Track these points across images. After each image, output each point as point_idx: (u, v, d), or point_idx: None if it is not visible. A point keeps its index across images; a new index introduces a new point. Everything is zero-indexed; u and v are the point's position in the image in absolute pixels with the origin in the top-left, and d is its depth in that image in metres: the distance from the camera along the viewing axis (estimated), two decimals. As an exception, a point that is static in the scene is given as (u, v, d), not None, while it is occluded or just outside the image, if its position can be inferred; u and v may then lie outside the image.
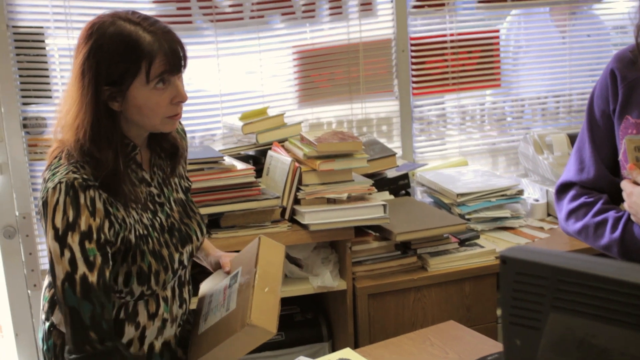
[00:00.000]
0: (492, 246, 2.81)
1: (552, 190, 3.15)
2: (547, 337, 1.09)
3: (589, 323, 1.05)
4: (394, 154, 3.06)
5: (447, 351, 2.02)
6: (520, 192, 3.11)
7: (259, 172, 2.74)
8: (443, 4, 3.38)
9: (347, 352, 2.00)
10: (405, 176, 3.10)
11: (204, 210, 2.42)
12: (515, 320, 1.15)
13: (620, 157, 1.88)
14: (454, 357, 1.99)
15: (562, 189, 2.06)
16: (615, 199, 1.92)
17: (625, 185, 1.80)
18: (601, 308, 1.03)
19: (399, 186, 3.08)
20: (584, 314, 1.06)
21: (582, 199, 1.98)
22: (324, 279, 2.61)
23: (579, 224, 1.98)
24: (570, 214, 2.01)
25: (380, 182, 2.98)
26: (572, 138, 3.32)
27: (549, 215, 3.20)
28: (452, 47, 3.41)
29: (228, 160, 2.58)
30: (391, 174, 3.08)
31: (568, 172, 2.04)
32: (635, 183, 1.77)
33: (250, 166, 2.57)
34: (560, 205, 2.06)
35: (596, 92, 1.96)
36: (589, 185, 1.99)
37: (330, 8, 3.24)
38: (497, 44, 3.50)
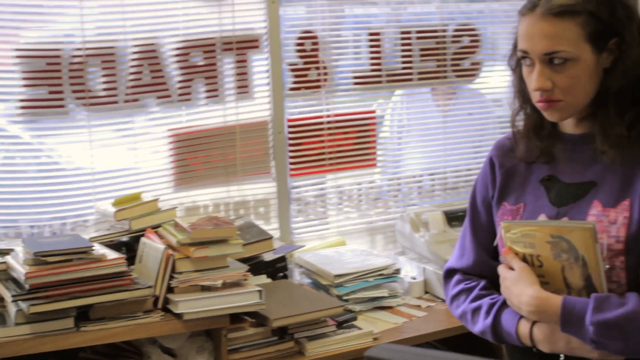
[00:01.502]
0: (370, 327, 2.81)
1: (429, 268, 3.20)
2: None
3: None
4: (270, 237, 3.05)
5: None
6: (398, 271, 3.14)
7: (132, 260, 2.67)
8: (319, 86, 3.43)
9: None
10: (282, 259, 3.09)
11: (71, 303, 2.33)
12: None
13: (497, 242, 1.92)
14: None
15: (447, 275, 2.10)
16: (496, 283, 1.95)
17: (501, 270, 1.84)
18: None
19: (277, 269, 3.06)
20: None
21: (462, 285, 2.02)
22: (200, 369, 2.55)
23: (459, 310, 2.02)
24: (453, 299, 2.05)
25: (257, 266, 2.95)
26: (448, 215, 3.39)
27: (426, 292, 3.23)
28: (328, 128, 3.45)
29: (99, 249, 2.51)
30: (268, 256, 3.06)
31: (452, 259, 2.10)
32: (511, 268, 1.81)
33: (121, 255, 2.50)
34: (446, 290, 2.11)
35: (478, 179, 2.04)
36: (470, 271, 2.03)
37: (207, 91, 3.24)
38: (374, 124, 3.57)
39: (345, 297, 2.99)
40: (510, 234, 1.80)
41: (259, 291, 2.57)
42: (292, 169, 3.41)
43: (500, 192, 1.92)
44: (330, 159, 3.47)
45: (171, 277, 2.54)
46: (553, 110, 1.73)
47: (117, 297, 2.42)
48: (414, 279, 3.25)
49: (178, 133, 3.22)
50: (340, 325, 2.79)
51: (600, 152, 1.72)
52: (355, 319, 2.85)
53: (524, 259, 1.79)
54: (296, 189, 3.44)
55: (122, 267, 2.46)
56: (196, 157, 3.25)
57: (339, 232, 3.52)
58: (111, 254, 2.50)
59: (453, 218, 3.40)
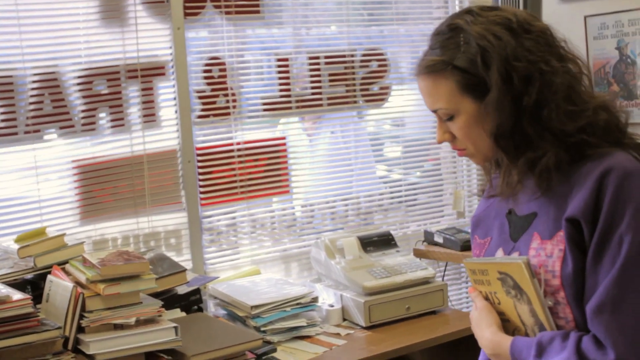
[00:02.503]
0: (290, 359, 2.74)
1: (347, 294, 3.16)
2: None
3: None
4: (183, 270, 2.95)
5: None
6: (315, 299, 3.08)
7: (38, 299, 2.54)
8: (228, 113, 3.36)
9: None
10: (197, 291, 2.99)
11: (-26, 349, 2.19)
12: None
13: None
14: None
15: None
16: None
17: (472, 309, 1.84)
18: None
19: (191, 302, 2.96)
20: None
21: None
22: (114, 412, 2.42)
23: None
24: None
25: (171, 300, 2.85)
26: (363, 241, 3.35)
27: (344, 320, 3.18)
28: (239, 156, 3.38)
29: (2, 290, 2.37)
30: (182, 289, 2.96)
31: None
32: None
33: (27, 295, 2.37)
34: None
35: None
36: None
37: (112, 120, 3.13)
38: (285, 150, 3.52)
39: (263, 328, 2.91)
40: (471, 272, 1.78)
41: (175, 327, 2.47)
42: (202, 198, 3.32)
43: (474, 226, 1.91)
44: (242, 186, 3.40)
45: (81, 317, 2.42)
46: (468, 156, 1.75)
47: (24, 340, 2.29)
48: (332, 306, 3.20)
49: (83, 164, 3.09)
50: (260, 358, 2.70)
51: (545, 190, 1.66)
52: (274, 350, 2.77)
53: (486, 297, 1.77)
54: (208, 219, 3.35)
55: (29, 308, 2.33)
56: (103, 188, 3.13)
57: (253, 260, 3.44)
58: (16, 294, 2.36)
59: (368, 243, 3.37)
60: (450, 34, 1.66)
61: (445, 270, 3.75)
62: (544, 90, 1.60)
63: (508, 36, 1.62)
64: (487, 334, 1.73)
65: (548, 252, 1.62)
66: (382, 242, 3.41)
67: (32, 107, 2.96)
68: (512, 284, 1.66)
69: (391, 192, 3.83)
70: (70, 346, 2.40)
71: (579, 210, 1.55)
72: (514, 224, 1.75)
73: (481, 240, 1.86)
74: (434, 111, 1.70)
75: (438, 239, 3.58)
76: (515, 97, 1.60)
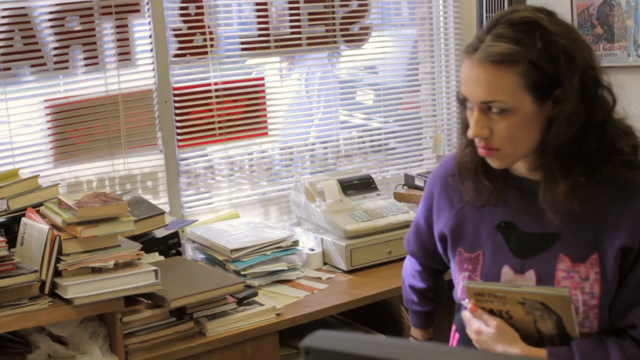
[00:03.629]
0: (272, 303, 2.69)
1: (327, 238, 3.11)
2: None
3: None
4: (162, 213, 2.87)
5: None
6: (296, 243, 3.03)
7: (12, 243, 2.45)
8: (206, 52, 3.26)
9: None
10: (175, 234, 2.92)
11: (-53, 293, 2.11)
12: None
13: (459, 295, 1.86)
14: None
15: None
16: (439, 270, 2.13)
17: (470, 321, 1.75)
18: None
19: (169, 245, 2.90)
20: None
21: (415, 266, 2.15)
22: (94, 357, 2.36)
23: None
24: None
25: (149, 243, 2.78)
26: (343, 184, 3.30)
27: (325, 264, 3.14)
28: (217, 97, 3.29)
29: (-25, 233, 2.29)
30: (160, 233, 2.89)
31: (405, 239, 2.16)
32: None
33: (1, 238, 2.28)
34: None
35: (422, 200, 1.97)
36: (413, 256, 2.15)
37: (85, 58, 3.02)
38: (263, 92, 3.43)
39: (243, 272, 2.86)
40: (477, 294, 1.70)
41: (155, 271, 2.40)
42: (179, 140, 3.23)
43: (453, 238, 1.82)
44: (220, 128, 3.31)
45: (58, 260, 2.33)
46: (493, 157, 1.64)
47: (-1, 284, 2.21)
48: (312, 250, 3.15)
49: (56, 104, 2.99)
50: (241, 302, 2.66)
51: (541, 208, 1.64)
52: (256, 294, 2.72)
53: (490, 311, 1.71)
54: (185, 161, 3.27)
55: (3, 251, 2.25)
56: (77, 129, 3.03)
57: (232, 204, 3.38)
58: (-11, 238, 2.28)
59: (348, 187, 3.32)
60: (524, 27, 1.56)
61: (425, 214, 3.70)
62: (605, 106, 1.59)
63: (584, 44, 1.59)
64: (516, 349, 1.67)
65: (582, 274, 1.63)
66: (362, 185, 3.36)
67: (1, 44, 2.85)
68: (540, 308, 1.62)
69: (371, 136, 3.77)
70: (47, 290, 2.33)
71: (633, 239, 1.59)
72: (519, 239, 1.70)
73: (469, 255, 1.78)
74: (484, 102, 1.57)
75: (419, 182, 3.53)
76: (586, 109, 1.57)
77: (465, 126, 1.69)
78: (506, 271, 1.72)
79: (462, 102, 1.67)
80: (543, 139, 1.59)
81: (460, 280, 1.81)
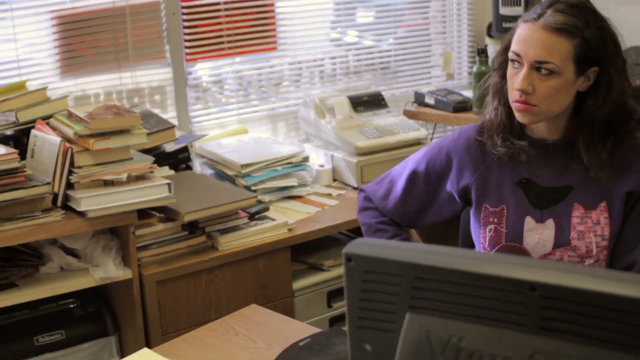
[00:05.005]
0: (284, 218, 2.68)
1: (337, 154, 3.09)
2: (404, 340, 0.95)
3: (453, 323, 0.92)
4: (172, 126, 2.84)
5: (255, 340, 1.87)
6: (306, 159, 3.00)
7: (22, 155, 2.41)
8: (213, -38, 3.17)
9: (145, 354, 1.78)
10: (184, 149, 2.89)
11: (-40, 204, 2.09)
12: (365, 324, 1.00)
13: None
14: (262, 345, 1.84)
15: (366, 198, 2.18)
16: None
17: None
18: (468, 306, 0.91)
19: (179, 160, 2.87)
20: (447, 314, 0.93)
21: (377, 218, 2.14)
22: (107, 269, 2.36)
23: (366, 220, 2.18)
24: (363, 211, 2.19)
25: (159, 157, 2.74)
26: (353, 100, 3.26)
27: (335, 180, 3.13)
28: (225, 10, 3.21)
29: (-15, 144, 2.25)
30: (169, 147, 2.86)
31: (376, 189, 2.15)
32: None
33: (11, 149, 2.25)
34: (360, 202, 2.21)
35: (430, 160, 2.05)
36: (386, 214, 2.13)
37: (91, -33, 2.94)
38: (272, 4, 3.36)
39: (253, 188, 2.84)
40: None
41: (168, 184, 2.39)
42: (188, 53, 3.17)
43: (478, 194, 1.97)
44: (229, 42, 3.25)
45: (70, 172, 2.31)
46: (526, 112, 1.81)
47: (11, 195, 2.19)
48: (322, 166, 3.13)
49: (62, 15, 2.91)
50: (253, 217, 2.65)
51: (585, 169, 1.86)
52: (267, 209, 2.71)
53: None
54: (193, 75, 3.21)
55: (15, 163, 2.22)
56: (84, 41, 2.96)
57: (240, 119, 3.33)
58: (0, 149, 2.24)
59: (358, 103, 3.28)
60: (582, 10, 1.79)
61: (434, 132, 3.68)
62: (628, 88, 1.87)
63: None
64: None
65: (594, 219, 1.87)
66: (372, 102, 3.33)
67: (5, -48, 2.76)
68: None
69: (380, 52, 3.71)
70: (59, 203, 2.31)
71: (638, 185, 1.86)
72: (537, 193, 1.91)
73: (494, 209, 1.94)
74: (538, 62, 1.77)
75: (429, 100, 3.49)
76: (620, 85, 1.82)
77: (497, 89, 1.91)
78: (528, 221, 1.91)
79: (500, 65, 1.89)
80: (585, 110, 1.83)
81: (487, 232, 1.95)
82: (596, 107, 1.82)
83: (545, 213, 1.90)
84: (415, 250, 0.96)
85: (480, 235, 1.97)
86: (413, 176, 2.06)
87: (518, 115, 1.84)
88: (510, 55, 1.83)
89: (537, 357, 0.87)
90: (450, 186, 2.02)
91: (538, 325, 0.87)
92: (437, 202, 2.06)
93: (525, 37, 1.79)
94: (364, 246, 1.00)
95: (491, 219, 1.95)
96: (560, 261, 1.90)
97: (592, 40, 1.77)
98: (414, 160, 2.08)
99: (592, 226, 1.87)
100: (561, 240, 1.87)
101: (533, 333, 0.87)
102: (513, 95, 1.83)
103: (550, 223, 1.89)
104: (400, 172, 2.10)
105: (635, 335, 0.84)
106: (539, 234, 1.89)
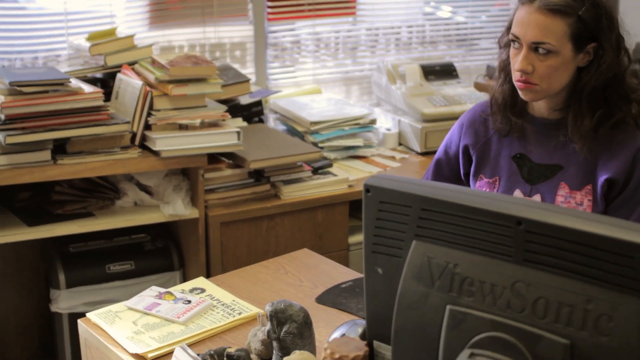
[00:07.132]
0: (345, 175, 2.82)
1: (405, 120, 3.20)
2: (409, 265, 1.09)
3: (451, 252, 1.05)
4: (247, 80, 3.00)
5: (302, 279, 2.02)
6: (373, 121, 3.13)
7: (107, 96, 2.61)
8: None
9: (200, 281, 1.96)
10: (258, 103, 3.05)
11: (48, 135, 2.29)
12: (378, 249, 1.14)
13: None
14: (308, 285, 1.99)
15: None
16: None
17: None
18: (464, 237, 1.04)
19: (252, 113, 3.04)
20: (446, 243, 1.06)
21: None
22: (176, 207, 2.54)
23: None
24: None
25: (234, 109, 2.92)
26: (425, 69, 3.37)
27: (400, 144, 3.25)
28: (309, -28, 3.36)
29: (74, 83, 2.45)
30: (244, 100, 3.02)
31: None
32: None
33: (98, 89, 2.44)
34: None
35: (449, 147, 2.15)
36: None
37: None
38: (355, -30, 3.48)
39: (320, 145, 2.98)
40: None
41: (238, 132, 2.55)
42: (270, 13, 3.32)
43: (478, 163, 2.06)
44: (309, 4, 3.38)
45: (149, 114, 2.50)
46: (528, 91, 1.88)
47: (94, 131, 2.38)
48: (389, 130, 3.25)
49: (153, -32, 3.10)
50: (316, 171, 2.80)
51: (570, 140, 1.92)
52: (330, 165, 2.86)
53: None
54: (273, 34, 3.37)
55: (99, 101, 2.41)
56: (172, -6, 3.15)
57: (315, 80, 3.48)
58: (88, 88, 2.44)
59: (430, 72, 3.38)
60: None
61: (503, 106, 3.74)
62: (625, 64, 1.91)
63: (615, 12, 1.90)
64: None
65: (578, 200, 1.93)
66: (444, 71, 3.42)
67: None
68: None
69: (457, 22, 3.79)
70: (137, 142, 2.50)
71: (619, 174, 1.87)
72: (529, 168, 1.98)
73: (488, 180, 2.03)
74: (535, 43, 1.83)
75: (500, 73, 3.55)
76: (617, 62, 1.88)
77: (503, 67, 1.99)
78: (517, 193, 1.99)
79: (506, 44, 1.95)
80: (577, 82, 1.88)
81: None
82: (587, 78, 1.87)
83: (534, 188, 1.97)
84: (424, 185, 1.09)
85: None
86: (437, 166, 2.17)
87: (521, 93, 1.91)
88: (510, 36, 1.89)
89: (519, 284, 1.00)
90: (461, 144, 2.10)
91: (522, 257, 1.00)
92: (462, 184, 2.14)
93: (522, 19, 1.85)
94: (382, 180, 1.14)
95: (484, 189, 2.04)
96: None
97: (587, 17, 1.82)
98: (439, 149, 2.19)
99: (575, 206, 1.93)
100: None
101: (517, 263, 1.00)
102: (515, 75, 1.89)
103: (537, 198, 1.96)
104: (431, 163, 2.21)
105: (609, 270, 0.96)
106: None
